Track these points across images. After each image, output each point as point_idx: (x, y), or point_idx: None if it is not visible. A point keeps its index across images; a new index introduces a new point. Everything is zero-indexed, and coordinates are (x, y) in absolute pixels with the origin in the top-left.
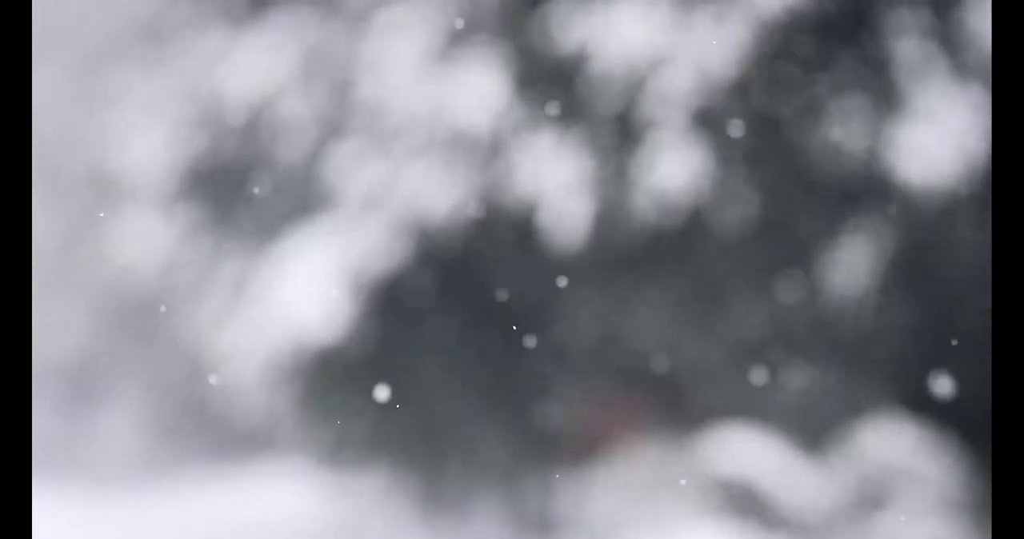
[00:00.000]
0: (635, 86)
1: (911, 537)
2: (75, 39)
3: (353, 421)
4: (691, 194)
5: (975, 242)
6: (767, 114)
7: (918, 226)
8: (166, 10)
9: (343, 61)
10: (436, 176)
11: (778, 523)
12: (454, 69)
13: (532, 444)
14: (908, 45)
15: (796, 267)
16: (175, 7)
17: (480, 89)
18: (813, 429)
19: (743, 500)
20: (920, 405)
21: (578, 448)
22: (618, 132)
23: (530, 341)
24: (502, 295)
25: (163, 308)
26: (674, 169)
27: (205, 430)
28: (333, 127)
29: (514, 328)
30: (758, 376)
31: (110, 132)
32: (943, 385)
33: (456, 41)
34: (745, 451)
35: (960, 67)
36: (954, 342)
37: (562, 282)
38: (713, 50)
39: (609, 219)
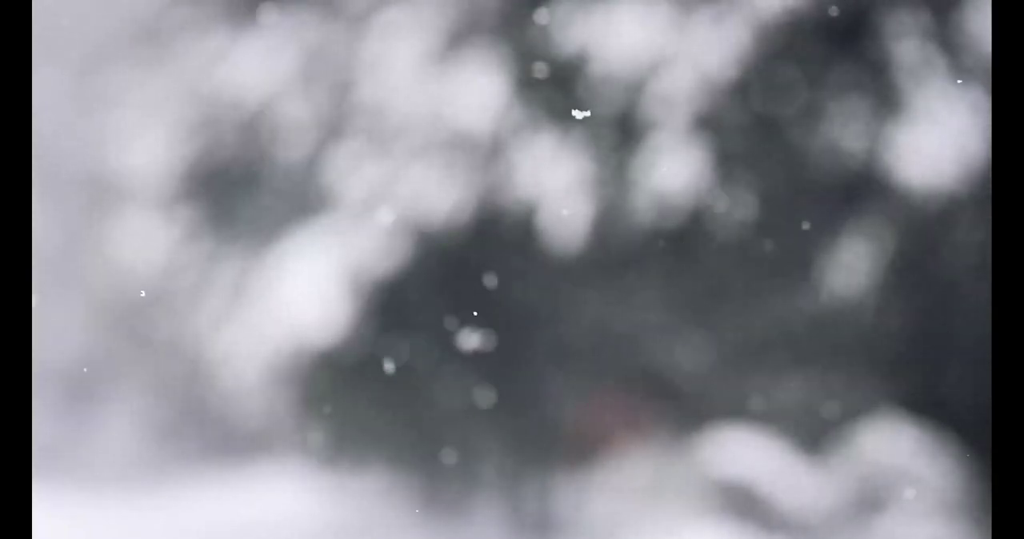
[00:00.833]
0: (635, 87)
1: (911, 538)
2: (75, 39)
3: (353, 421)
4: (691, 195)
5: (974, 243)
6: (767, 115)
7: (917, 227)
8: (166, 11)
9: (343, 62)
10: (436, 177)
11: (778, 524)
12: (454, 70)
13: (532, 444)
14: (908, 47)
15: (796, 268)
16: (175, 8)
17: (480, 90)
18: (813, 430)
19: (743, 501)
20: (920, 406)
21: (578, 449)
22: (618, 133)
23: (530, 341)
24: (502, 295)
25: (163, 309)
26: (674, 170)
27: (205, 431)
28: (333, 128)
29: (514, 328)
30: (758, 377)
31: (110, 133)
32: (943, 386)
33: (456, 42)
34: (745, 452)
35: (959, 69)
36: (954, 342)
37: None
38: (713, 51)
39: (609, 220)
